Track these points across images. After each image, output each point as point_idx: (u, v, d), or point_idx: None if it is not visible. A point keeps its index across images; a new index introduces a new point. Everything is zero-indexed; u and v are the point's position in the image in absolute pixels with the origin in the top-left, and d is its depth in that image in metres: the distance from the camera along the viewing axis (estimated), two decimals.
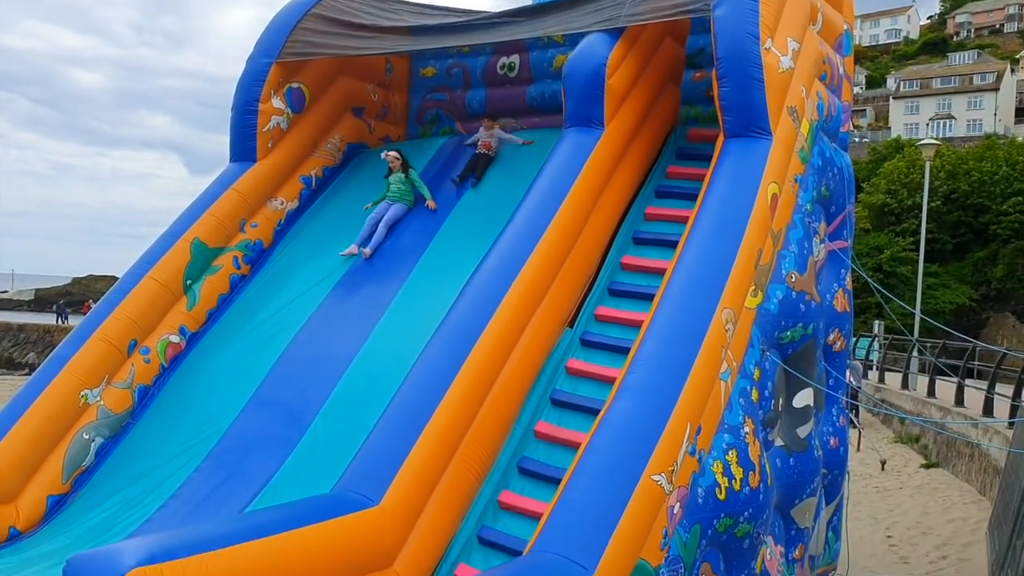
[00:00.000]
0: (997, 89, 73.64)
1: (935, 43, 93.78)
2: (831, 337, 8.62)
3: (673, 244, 7.13)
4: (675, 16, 7.85)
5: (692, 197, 7.49)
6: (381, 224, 8.76)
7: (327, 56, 9.33)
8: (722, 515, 6.09)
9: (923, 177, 28.24)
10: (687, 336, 6.12)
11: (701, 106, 8.86)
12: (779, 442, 7.49)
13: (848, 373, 9.63)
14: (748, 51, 7.17)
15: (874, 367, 27.49)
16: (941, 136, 64.02)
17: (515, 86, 10.10)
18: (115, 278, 20.05)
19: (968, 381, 18.53)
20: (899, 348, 27.42)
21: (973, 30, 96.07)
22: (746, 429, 6.48)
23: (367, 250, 8.59)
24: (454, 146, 9.79)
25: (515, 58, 10.06)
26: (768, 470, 6.75)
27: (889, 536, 12.10)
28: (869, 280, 10.91)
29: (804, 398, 7.88)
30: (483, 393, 6.30)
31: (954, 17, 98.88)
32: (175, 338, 8.27)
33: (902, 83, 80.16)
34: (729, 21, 7.24)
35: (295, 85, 9.37)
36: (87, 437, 7.52)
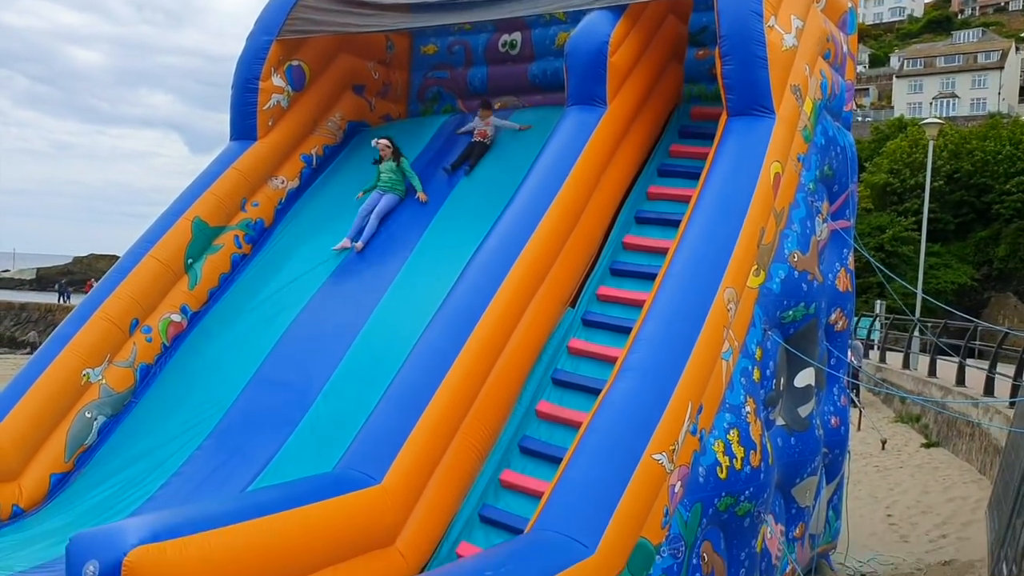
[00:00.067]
0: (1002, 68, 72.92)
1: (939, 21, 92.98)
2: (833, 317, 8.63)
3: (675, 223, 7.11)
4: None
5: (695, 176, 7.46)
6: (372, 215, 8.64)
7: (327, 33, 9.27)
8: (723, 494, 6.11)
9: (926, 156, 28.09)
10: (689, 316, 6.12)
11: (704, 84, 8.79)
12: (780, 421, 7.50)
13: (849, 353, 9.63)
14: (751, 29, 7.12)
15: (875, 347, 27.49)
16: (944, 115, 63.64)
17: (517, 64, 10.05)
18: (116, 257, 20.06)
19: (969, 361, 18.51)
20: (900, 328, 27.41)
21: (978, 8, 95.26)
22: (747, 408, 6.49)
23: (359, 244, 8.51)
24: (456, 124, 9.74)
25: (517, 35, 10.00)
26: (769, 449, 6.76)
27: (889, 515, 12.14)
28: (871, 260, 10.87)
29: (805, 378, 7.89)
30: (484, 373, 6.29)
31: None
32: (176, 317, 8.28)
33: (906, 62, 79.53)
34: None
35: (295, 63, 9.32)
36: (89, 416, 7.54)
